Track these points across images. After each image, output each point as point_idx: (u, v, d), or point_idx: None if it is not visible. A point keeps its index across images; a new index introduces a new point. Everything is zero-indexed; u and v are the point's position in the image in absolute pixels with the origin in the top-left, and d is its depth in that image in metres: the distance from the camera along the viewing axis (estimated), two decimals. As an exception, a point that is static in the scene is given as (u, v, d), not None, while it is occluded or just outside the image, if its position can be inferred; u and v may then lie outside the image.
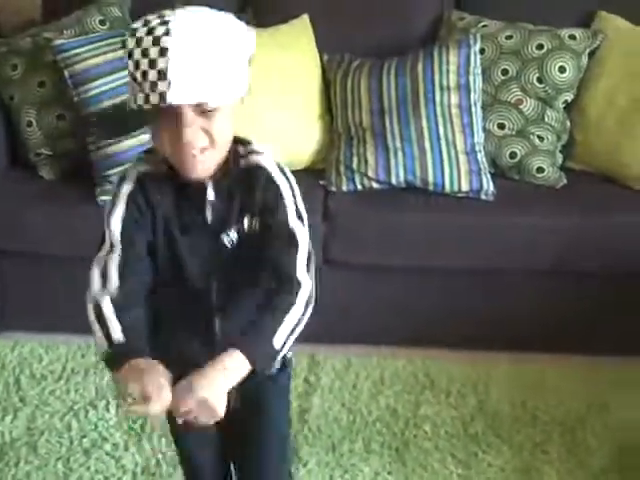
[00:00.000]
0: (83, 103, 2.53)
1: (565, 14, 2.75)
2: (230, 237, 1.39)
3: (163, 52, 1.21)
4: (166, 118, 1.26)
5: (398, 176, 2.55)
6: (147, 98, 1.23)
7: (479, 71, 2.56)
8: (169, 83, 1.21)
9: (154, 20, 1.24)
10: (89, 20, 2.69)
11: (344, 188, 2.60)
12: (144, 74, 1.22)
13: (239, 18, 1.33)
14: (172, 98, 1.22)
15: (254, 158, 1.40)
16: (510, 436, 2.30)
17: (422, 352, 2.60)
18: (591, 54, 2.65)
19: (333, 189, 2.61)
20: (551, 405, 2.41)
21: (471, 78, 2.54)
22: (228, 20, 1.30)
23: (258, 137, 2.86)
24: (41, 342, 2.67)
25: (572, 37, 2.62)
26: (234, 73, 1.29)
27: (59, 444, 2.28)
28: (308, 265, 1.36)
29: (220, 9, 1.30)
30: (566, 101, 2.65)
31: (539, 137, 2.62)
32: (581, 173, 2.67)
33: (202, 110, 1.26)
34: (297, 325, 1.32)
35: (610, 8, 2.73)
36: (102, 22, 2.70)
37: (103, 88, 2.50)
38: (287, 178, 1.39)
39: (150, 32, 1.22)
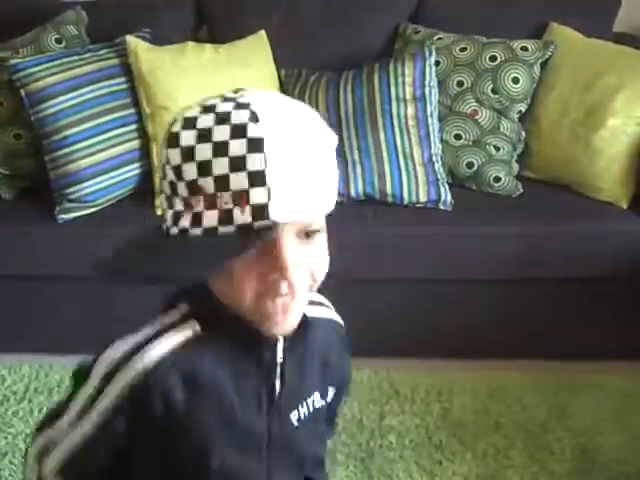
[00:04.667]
0: (40, 122, 2.51)
1: (517, 26, 2.80)
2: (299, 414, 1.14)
3: (257, 145, 0.85)
4: (250, 249, 0.88)
5: (357, 188, 2.57)
6: (228, 216, 0.86)
7: (435, 83, 2.59)
8: (269, 191, 0.85)
9: (220, 104, 0.89)
10: (45, 39, 2.68)
11: (304, 201, 2.59)
12: (222, 181, 0.85)
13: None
14: (275, 213, 0.86)
15: (325, 310, 1.15)
16: (474, 443, 2.32)
17: (386, 362, 2.61)
18: (543, 65, 2.69)
19: (293, 202, 2.59)
20: (513, 411, 2.44)
21: (427, 90, 2.56)
22: (306, 110, 0.95)
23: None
24: (3, 362, 2.64)
25: (524, 48, 2.67)
26: (330, 178, 0.95)
27: (22, 465, 2.25)
28: None
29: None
30: (520, 111, 2.69)
31: (495, 147, 2.66)
32: (536, 182, 2.71)
33: (303, 234, 0.93)
34: None
35: (561, 20, 2.78)
36: (58, 41, 2.69)
37: (59, 107, 2.49)
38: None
39: (223, 120, 0.86)
